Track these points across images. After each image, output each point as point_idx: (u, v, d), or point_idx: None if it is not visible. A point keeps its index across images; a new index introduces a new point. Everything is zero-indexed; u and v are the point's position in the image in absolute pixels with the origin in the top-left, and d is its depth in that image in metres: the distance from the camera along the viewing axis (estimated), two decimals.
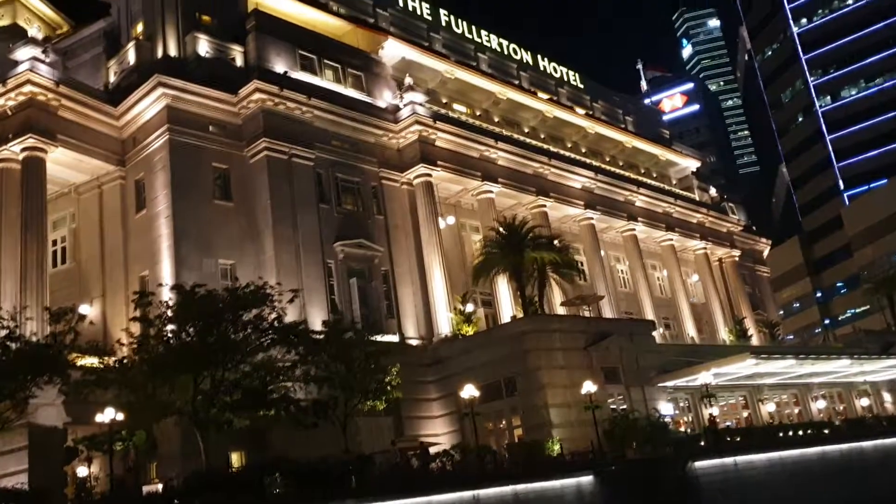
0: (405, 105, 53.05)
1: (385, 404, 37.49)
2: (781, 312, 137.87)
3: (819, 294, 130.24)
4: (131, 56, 47.05)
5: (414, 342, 48.78)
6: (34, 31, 44.71)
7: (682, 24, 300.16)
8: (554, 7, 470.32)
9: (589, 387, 39.66)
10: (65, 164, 44.71)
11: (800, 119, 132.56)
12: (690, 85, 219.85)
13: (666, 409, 46.54)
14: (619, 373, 46.22)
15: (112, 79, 48.42)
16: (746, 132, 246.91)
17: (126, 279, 43.89)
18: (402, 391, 42.39)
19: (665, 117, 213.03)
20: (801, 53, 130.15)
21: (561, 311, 52.96)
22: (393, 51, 56.85)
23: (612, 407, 44.66)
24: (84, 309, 44.01)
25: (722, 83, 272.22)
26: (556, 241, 47.88)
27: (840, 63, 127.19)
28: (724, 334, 73.35)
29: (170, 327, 32.47)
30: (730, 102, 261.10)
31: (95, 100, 44.89)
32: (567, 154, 66.10)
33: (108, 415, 30.76)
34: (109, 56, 48.93)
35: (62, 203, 47.70)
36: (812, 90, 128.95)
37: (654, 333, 68.06)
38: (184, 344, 31.85)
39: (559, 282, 48.50)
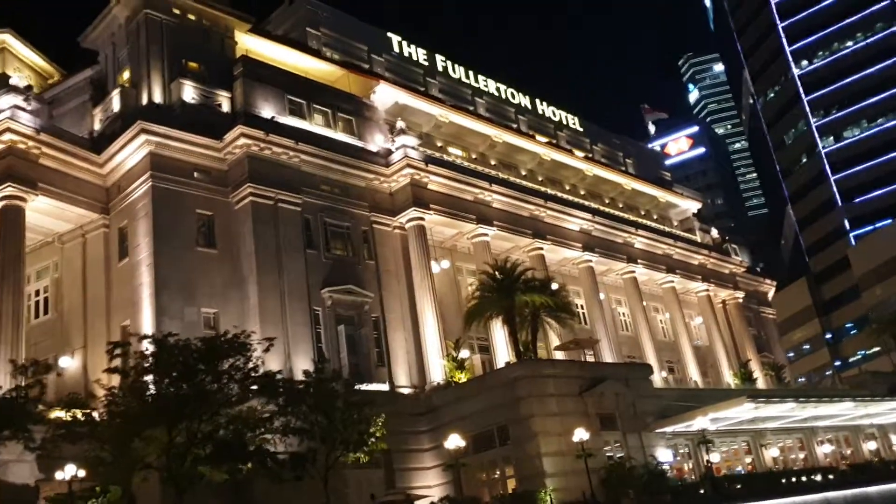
0: (397, 149, 52.50)
1: (369, 456, 36.25)
2: (791, 354, 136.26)
3: (829, 335, 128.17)
4: (116, 103, 46.71)
5: (405, 391, 47.51)
6: (16, 79, 44.47)
7: (688, 69, 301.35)
8: (558, 52, 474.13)
9: (581, 434, 38.22)
10: (47, 213, 44.19)
11: (803, 160, 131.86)
12: (695, 128, 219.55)
13: (664, 455, 44.88)
14: (616, 419, 44.69)
15: (97, 126, 48.03)
16: (754, 174, 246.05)
17: (108, 329, 43.03)
18: (393, 442, 41.58)
19: (671, 161, 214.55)
20: (802, 95, 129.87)
21: (559, 355, 51.77)
22: (385, 95, 56.47)
23: (608, 454, 43.19)
24: (65, 361, 43.19)
25: (729, 126, 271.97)
26: (550, 284, 46.57)
27: (842, 104, 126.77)
28: (729, 377, 71.81)
29: (146, 378, 31.55)
30: (737, 145, 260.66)
31: (78, 147, 44.54)
32: (564, 196, 65.28)
33: (69, 472, 29.50)
34: (95, 103, 48.59)
35: (46, 252, 47.11)
36: (815, 131, 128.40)
37: (657, 377, 67.37)
38: (157, 396, 30.84)
39: (554, 326, 47.19)
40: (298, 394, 34.74)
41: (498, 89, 75.22)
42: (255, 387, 33.32)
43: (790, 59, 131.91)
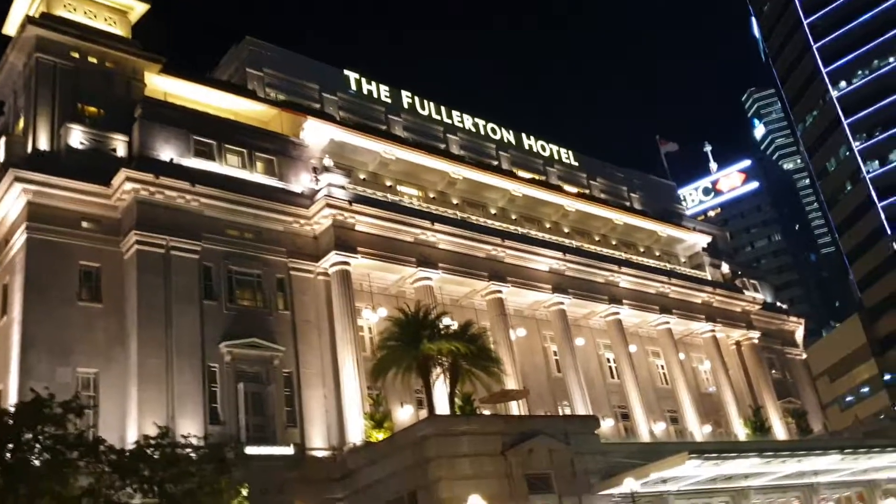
0: (320, 188, 48.48)
1: None
2: (851, 398, 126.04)
3: (888, 376, 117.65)
4: (1, 153, 43.95)
5: (320, 454, 42.71)
6: None
7: (752, 104, 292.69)
8: (616, 91, 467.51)
9: (477, 502, 32.77)
10: None
11: (848, 187, 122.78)
12: (748, 162, 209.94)
13: None
14: (550, 480, 38.86)
15: None
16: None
17: None
18: None
19: (722, 197, 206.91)
20: (842, 117, 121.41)
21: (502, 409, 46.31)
22: (315, 132, 52.68)
23: None
24: None
25: (799, 161, 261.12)
26: (469, 329, 41.38)
27: (885, 124, 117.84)
28: (739, 427, 64.64)
29: None
30: (806, 181, 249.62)
31: None
32: (530, 234, 59.95)
33: None
34: None
35: None
36: (858, 155, 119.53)
37: (656, 430, 61.01)
38: None
39: (482, 377, 41.71)
40: (129, 463, 30.37)
41: (476, 125, 70.82)
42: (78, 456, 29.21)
43: (827, 80, 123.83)
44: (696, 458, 36.21)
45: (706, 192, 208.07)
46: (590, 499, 39.19)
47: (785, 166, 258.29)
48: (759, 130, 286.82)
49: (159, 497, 29.97)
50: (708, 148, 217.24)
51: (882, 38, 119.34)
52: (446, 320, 44.77)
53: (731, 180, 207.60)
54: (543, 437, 39.21)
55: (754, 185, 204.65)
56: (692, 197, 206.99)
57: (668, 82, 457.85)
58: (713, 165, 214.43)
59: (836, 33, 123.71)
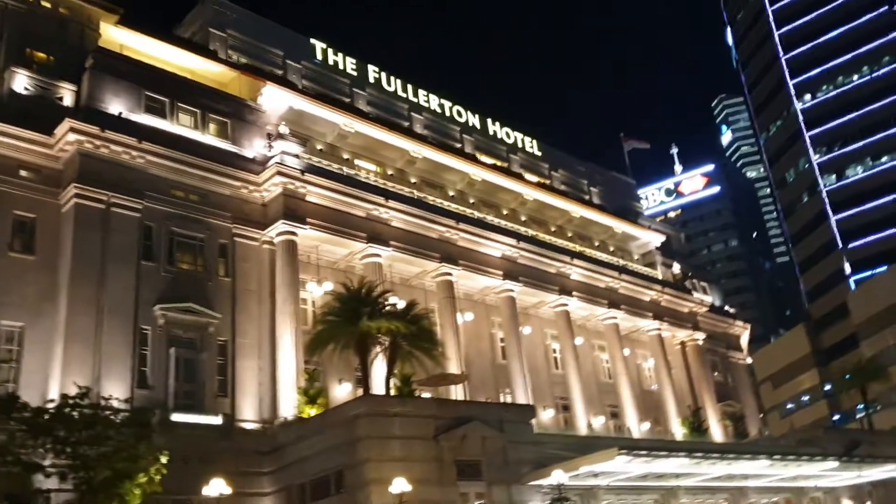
0: (273, 155, 47.39)
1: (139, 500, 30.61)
2: (791, 406, 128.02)
3: (828, 387, 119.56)
4: None
5: (250, 426, 41.86)
6: None
7: (721, 111, 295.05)
8: (584, 88, 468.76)
9: (400, 485, 32.28)
10: None
11: (805, 199, 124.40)
12: (711, 166, 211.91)
13: None
14: (481, 467, 38.51)
15: None
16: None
17: None
18: (228, 484, 36.19)
19: (684, 199, 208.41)
20: (804, 130, 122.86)
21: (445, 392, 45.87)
22: (274, 99, 51.49)
23: None
24: None
25: (762, 170, 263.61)
26: (411, 309, 40.72)
27: (845, 140, 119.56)
28: (677, 426, 65.03)
29: None
30: (767, 190, 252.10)
31: None
32: (486, 219, 59.38)
33: None
34: None
35: None
36: (816, 168, 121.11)
37: (595, 423, 61.10)
38: None
39: (423, 359, 41.11)
40: (44, 422, 29.39)
41: (441, 106, 69.86)
42: None
43: (792, 92, 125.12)
44: (625, 454, 36.10)
45: (668, 192, 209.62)
46: (519, 489, 38.92)
47: (748, 174, 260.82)
48: (726, 137, 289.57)
49: (71, 459, 29.06)
50: (675, 150, 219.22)
51: (850, 55, 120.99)
52: (392, 299, 44.25)
53: (694, 183, 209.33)
54: (477, 423, 38.82)
55: (716, 189, 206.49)
56: (654, 197, 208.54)
57: (642, 84, 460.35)
58: (678, 167, 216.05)
59: (806, 46, 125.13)
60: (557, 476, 35.68)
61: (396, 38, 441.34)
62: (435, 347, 40.25)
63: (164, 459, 31.61)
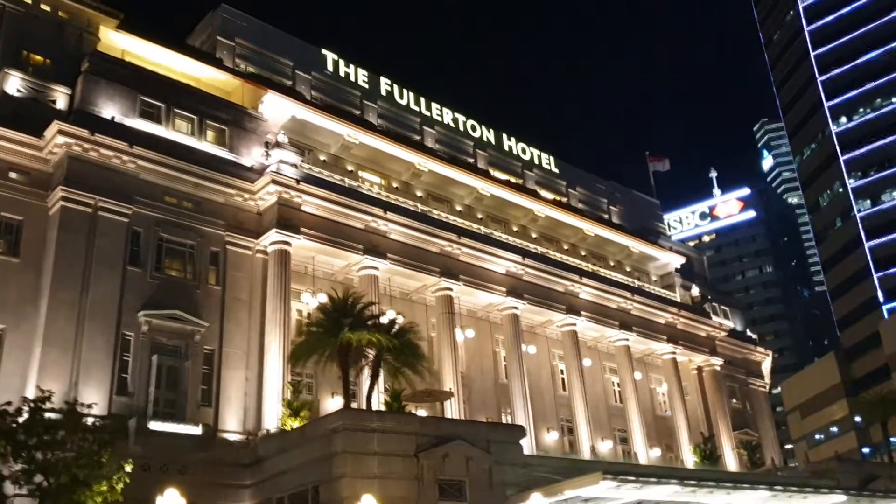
0: (270, 164, 46.78)
1: None
2: (820, 436, 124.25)
3: (858, 419, 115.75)
4: None
5: (233, 437, 40.96)
6: None
7: (763, 135, 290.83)
8: (626, 117, 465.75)
9: (369, 502, 31.07)
10: None
11: (838, 224, 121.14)
12: (747, 191, 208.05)
13: None
14: (464, 488, 37.15)
15: None
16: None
17: None
18: (205, 495, 35.54)
19: (718, 223, 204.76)
20: (839, 153, 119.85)
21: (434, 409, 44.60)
22: (276, 108, 50.91)
23: None
24: None
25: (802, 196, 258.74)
26: (395, 322, 39.61)
27: (882, 165, 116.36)
28: (689, 454, 62.95)
29: None
30: (807, 217, 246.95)
31: None
32: (491, 235, 58.16)
33: None
34: None
35: None
36: (850, 193, 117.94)
37: (604, 447, 59.35)
38: None
39: (408, 374, 39.88)
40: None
41: (455, 120, 69.12)
42: None
43: (828, 115, 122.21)
44: (610, 479, 34.43)
45: (702, 216, 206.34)
46: None
47: (790, 200, 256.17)
48: (767, 161, 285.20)
49: (27, 463, 28.38)
50: (713, 174, 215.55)
51: (888, 77, 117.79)
52: (390, 313, 43.25)
53: (729, 207, 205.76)
54: (461, 442, 37.52)
55: (751, 213, 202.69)
56: (688, 220, 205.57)
57: (684, 107, 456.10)
58: (717, 191, 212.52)
59: (843, 68, 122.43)
60: (536, 500, 34.15)
61: (414, 53, 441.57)
62: (420, 362, 38.96)
63: (128, 468, 30.81)
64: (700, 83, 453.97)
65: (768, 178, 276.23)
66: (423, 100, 67.17)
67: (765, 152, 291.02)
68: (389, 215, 50.04)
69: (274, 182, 45.36)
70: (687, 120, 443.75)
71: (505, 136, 72.64)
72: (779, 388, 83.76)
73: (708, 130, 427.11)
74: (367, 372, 39.32)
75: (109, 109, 43.27)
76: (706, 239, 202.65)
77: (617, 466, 45.66)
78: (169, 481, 35.04)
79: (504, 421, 54.47)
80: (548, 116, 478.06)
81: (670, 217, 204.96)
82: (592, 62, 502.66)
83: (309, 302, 47.69)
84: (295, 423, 39.95)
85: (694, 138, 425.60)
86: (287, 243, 45.47)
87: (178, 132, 45.63)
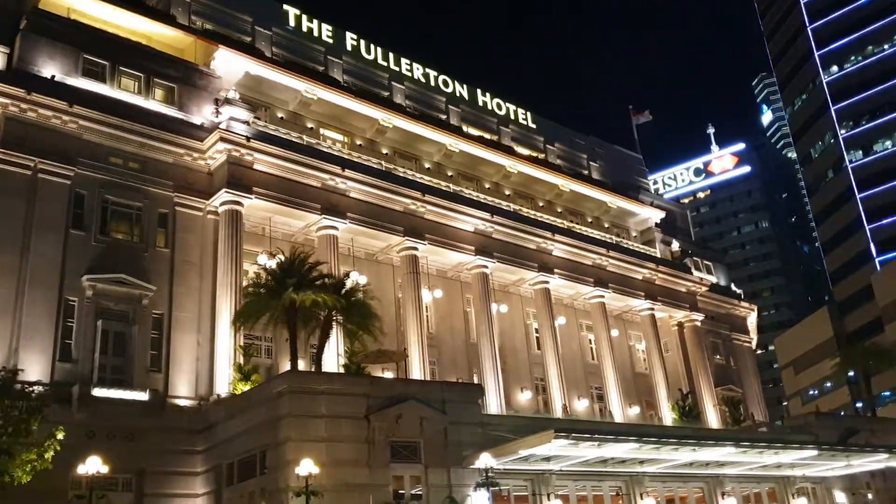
0: (220, 122, 45.32)
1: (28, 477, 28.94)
2: (814, 392, 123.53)
3: (852, 373, 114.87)
4: None
5: (185, 402, 40.02)
6: None
7: (762, 90, 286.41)
8: (627, 72, 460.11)
9: (308, 467, 30.12)
10: None
11: (830, 175, 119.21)
12: (742, 145, 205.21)
13: (479, 499, 36.10)
14: (418, 449, 36.30)
15: None
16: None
17: None
18: (155, 461, 34.76)
19: (713, 179, 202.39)
20: (830, 103, 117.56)
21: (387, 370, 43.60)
22: (228, 64, 49.35)
23: (400, 493, 35.06)
24: None
25: None
26: (345, 281, 38.46)
27: (874, 114, 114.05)
28: (668, 411, 62.10)
29: None
30: None
31: None
32: (461, 192, 56.77)
33: None
34: None
35: None
36: (842, 143, 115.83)
37: (580, 406, 58.47)
38: None
39: (360, 334, 38.80)
40: None
41: (426, 75, 67.41)
42: None
43: (818, 63, 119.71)
44: (563, 437, 33.57)
45: (697, 172, 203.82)
46: (460, 472, 36.60)
47: (789, 154, 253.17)
48: (766, 117, 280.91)
49: None
50: (711, 130, 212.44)
51: (879, 24, 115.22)
52: (353, 275, 42.01)
53: (724, 162, 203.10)
54: (415, 402, 36.58)
55: (746, 169, 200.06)
56: (682, 177, 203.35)
57: (681, 62, 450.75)
58: (714, 148, 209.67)
59: (834, 14, 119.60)
60: (485, 459, 33.25)
61: (386, 8, 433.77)
62: (371, 322, 37.86)
63: (60, 435, 29.91)
64: (699, 38, 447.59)
65: (768, 133, 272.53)
66: (391, 55, 65.42)
67: (764, 107, 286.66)
68: (348, 173, 48.64)
69: (223, 140, 43.92)
70: (685, 76, 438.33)
71: (479, 92, 70.89)
72: (755, 342, 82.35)
73: (706, 86, 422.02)
74: (318, 333, 38.26)
75: (50, 68, 41.76)
76: (701, 195, 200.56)
77: (574, 424, 44.64)
78: (115, 448, 34.52)
79: (475, 381, 53.51)
80: (547, 79, 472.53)
81: (664, 174, 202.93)
82: (583, 19, 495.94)
83: (266, 264, 46.50)
84: (246, 388, 38.97)
85: (693, 96, 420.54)
86: (238, 203, 44.16)
87: (124, 91, 44.13)
